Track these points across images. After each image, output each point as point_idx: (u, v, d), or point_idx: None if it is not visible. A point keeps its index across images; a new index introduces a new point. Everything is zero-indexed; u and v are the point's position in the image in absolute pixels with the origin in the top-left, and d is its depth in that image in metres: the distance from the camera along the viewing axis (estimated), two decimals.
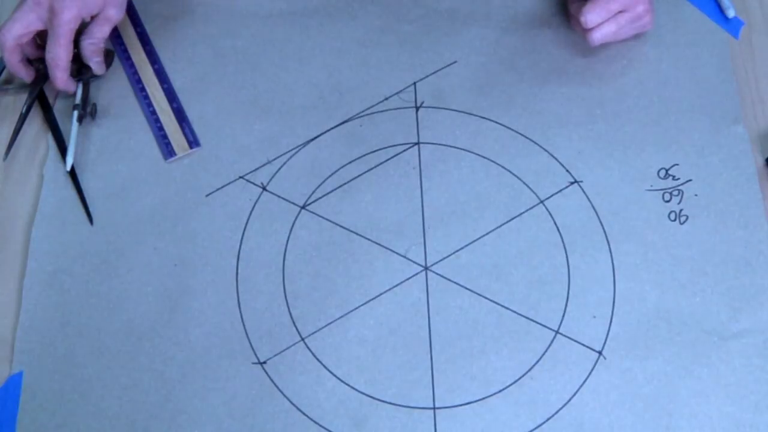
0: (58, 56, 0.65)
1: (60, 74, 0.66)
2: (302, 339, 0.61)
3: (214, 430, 0.58)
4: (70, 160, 0.66)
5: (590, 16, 0.64)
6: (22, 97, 0.70)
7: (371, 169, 0.67)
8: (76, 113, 0.67)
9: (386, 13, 0.74)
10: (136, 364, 0.60)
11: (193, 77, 0.71)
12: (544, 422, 0.57)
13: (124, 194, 0.66)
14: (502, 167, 0.67)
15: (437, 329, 0.61)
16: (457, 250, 0.63)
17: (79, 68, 0.69)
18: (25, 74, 0.69)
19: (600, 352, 0.60)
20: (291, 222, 0.65)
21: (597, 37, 0.66)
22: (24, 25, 0.65)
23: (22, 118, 0.68)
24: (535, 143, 0.67)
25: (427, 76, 0.70)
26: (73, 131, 0.67)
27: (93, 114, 0.68)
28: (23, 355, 0.60)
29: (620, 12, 0.65)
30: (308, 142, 0.68)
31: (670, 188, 0.65)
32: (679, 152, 0.67)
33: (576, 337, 0.60)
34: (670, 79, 0.70)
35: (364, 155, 0.67)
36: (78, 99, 0.68)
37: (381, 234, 0.64)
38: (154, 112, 0.69)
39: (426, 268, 0.63)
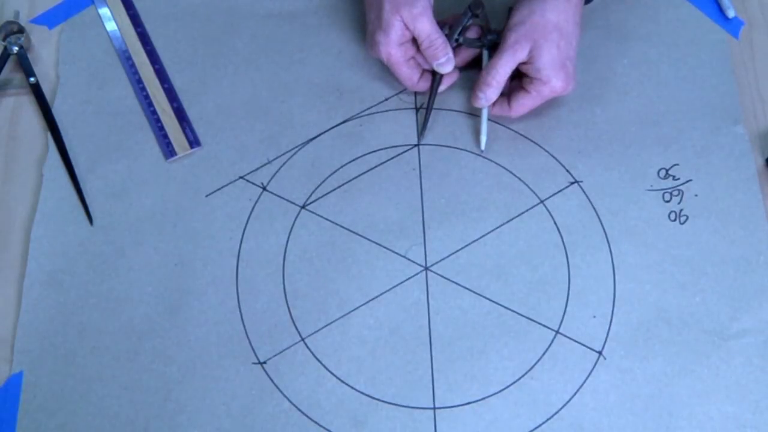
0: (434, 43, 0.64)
1: (442, 58, 0.65)
2: (302, 339, 0.61)
3: (214, 430, 0.58)
4: (483, 138, 0.66)
5: (518, 110, 0.65)
6: (23, 98, 0.70)
7: (371, 169, 0.67)
8: None
9: None
10: (136, 364, 0.60)
11: (193, 77, 0.71)
12: (544, 422, 0.58)
13: (124, 194, 0.66)
14: (502, 167, 0.66)
15: (437, 329, 0.61)
16: (457, 250, 0.63)
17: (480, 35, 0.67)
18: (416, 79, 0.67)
19: (600, 352, 0.60)
20: (291, 222, 0.65)
21: (518, 114, 0.66)
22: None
23: (429, 110, 0.67)
24: (535, 143, 0.67)
25: None
26: (484, 109, 0.66)
27: None
28: (23, 355, 0.60)
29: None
30: (308, 142, 0.68)
31: (670, 188, 0.65)
32: (679, 152, 0.67)
33: (576, 337, 0.60)
34: (670, 79, 0.70)
35: (364, 155, 0.67)
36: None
37: (381, 234, 0.64)
38: (154, 112, 0.69)
39: (426, 268, 0.63)
